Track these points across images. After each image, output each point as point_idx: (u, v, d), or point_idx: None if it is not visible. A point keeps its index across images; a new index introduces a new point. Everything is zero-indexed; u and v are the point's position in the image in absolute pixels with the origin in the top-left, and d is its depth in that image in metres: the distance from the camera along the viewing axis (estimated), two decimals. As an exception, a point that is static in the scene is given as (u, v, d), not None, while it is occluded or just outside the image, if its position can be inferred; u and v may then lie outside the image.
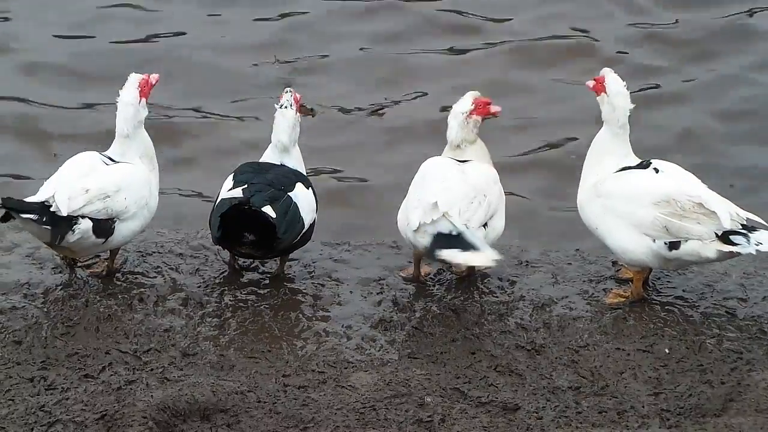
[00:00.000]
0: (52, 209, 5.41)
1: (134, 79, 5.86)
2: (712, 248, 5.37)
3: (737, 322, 5.59)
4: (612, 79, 5.71)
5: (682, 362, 5.27)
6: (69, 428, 4.69)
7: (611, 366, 5.25)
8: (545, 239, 6.83)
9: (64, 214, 5.41)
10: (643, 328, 5.53)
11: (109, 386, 4.94)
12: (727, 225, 5.33)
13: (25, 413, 4.77)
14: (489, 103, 5.98)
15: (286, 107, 5.98)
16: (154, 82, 5.94)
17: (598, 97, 5.74)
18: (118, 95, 5.85)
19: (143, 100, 5.84)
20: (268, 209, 5.56)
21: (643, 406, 4.95)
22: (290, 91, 6.05)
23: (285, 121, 5.95)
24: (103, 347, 5.32)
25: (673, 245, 5.44)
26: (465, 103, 5.91)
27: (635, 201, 5.51)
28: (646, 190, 5.51)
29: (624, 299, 5.71)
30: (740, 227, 5.36)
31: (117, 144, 5.85)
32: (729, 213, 5.38)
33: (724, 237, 5.34)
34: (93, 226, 5.53)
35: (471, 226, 5.47)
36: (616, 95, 5.66)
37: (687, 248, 5.41)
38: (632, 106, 5.71)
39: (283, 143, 5.95)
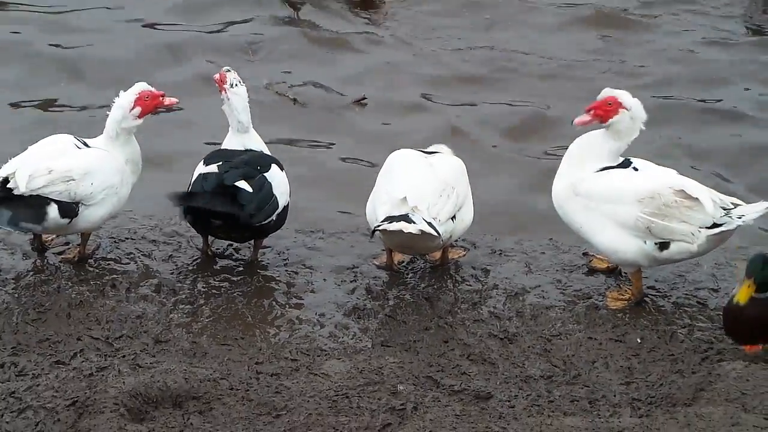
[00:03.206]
0: (9, 186, 5.40)
1: (137, 87, 5.81)
2: (700, 240, 5.36)
3: (708, 313, 5.63)
4: (629, 96, 5.60)
5: (653, 352, 5.30)
6: (40, 414, 4.65)
7: (583, 355, 5.27)
8: (519, 229, 6.78)
9: (22, 191, 5.39)
10: (616, 318, 5.57)
11: (80, 372, 4.91)
12: (710, 210, 5.33)
13: (-4, 399, 4.80)
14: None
15: (236, 85, 5.92)
16: (166, 103, 5.88)
17: (612, 120, 5.54)
18: (118, 95, 5.83)
19: (138, 109, 5.74)
20: (242, 183, 5.57)
21: (614, 395, 4.97)
22: (230, 69, 6.00)
23: (240, 99, 5.90)
24: (74, 333, 5.32)
25: (663, 246, 5.45)
26: None
27: (618, 200, 5.50)
28: (626, 189, 5.51)
29: (626, 301, 5.68)
30: (727, 211, 5.37)
31: (102, 138, 5.82)
32: (711, 199, 5.39)
33: (711, 226, 5.36)
34: (58, 208, 5.49)
35: (440, 219, 5.47)
36: (639, 108, 5.59)
37: (676, 248, 5.43)
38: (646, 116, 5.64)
39: (243, 123, 5.93)
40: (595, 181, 5.57)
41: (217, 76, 6.00)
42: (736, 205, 5.43)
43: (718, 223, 5.35)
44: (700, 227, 5.37)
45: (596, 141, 5.65)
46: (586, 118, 5.61)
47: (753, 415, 4.70)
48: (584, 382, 5.06)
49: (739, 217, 5.36)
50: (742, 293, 4.90)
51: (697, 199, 5.37)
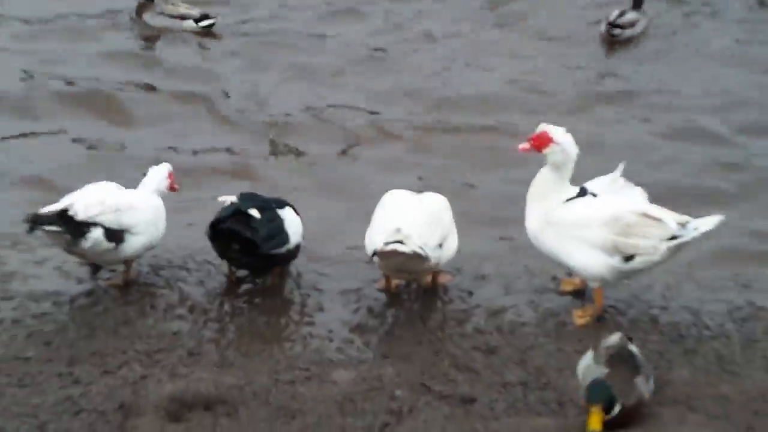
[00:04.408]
0: (69, 213, 5.44)
1: (166, 168, 6.10)
2: (661, 251, 5.32)
3: (659, 327, 5.62)
4: (561, 133, 5.49)
5: None
6: (92, 416, 4.73)
7: (553, 364, 5.25)
8: (499, 256, 6.73)
9: (80, 218, 5.44)
10: (581, 332, 5.54)
11: (126, 381, 5.00)
12: (675, 229, 5.30)
13: (55, 403, 4.82)
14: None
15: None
16: (176, 187, 6.16)
17: (546, 151, 5.47)
18: (153, 167, 6.08)
19: (168, 184, 6.06)
20: (254, 211, 5.60)
21: (579, 399, 4.79)
22: None
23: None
24: (120, 347, 5.34)
25: (628, 259, 5.38)
26: None
27: (586, 225, 5.41)
28: (595, 215, 5.42)
29: (589, 318, 5.62)
30: (683, 227, 5.33)
31: (140, 189, 5.99)
32: (674, 219, 5.36)
33: (670, 239, 5.32)
34: (105, 233, 5.52)
35: (429, 245, 5.44)
36: (568, 143, 5.48)
37: (640, 260, 5.38)
38: (578, 150, 5.54)
39: None
40: (564, 211, 5.49)
41: None
42: (687, 222, 5.37)
43: (677, 235, 5.32)
44: (662, 240, 5.34)
45: (545, 176, 5.56)
46: (525, 145, 5.53)
47: (697, 414, 4.77)
48: (554, 387, 5.05)
49: (695, 229, 5.33)
50: (594, 421, 4.37)
51: (660, 219, 5.35)
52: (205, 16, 10.52)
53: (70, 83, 10.09)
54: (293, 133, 9.45)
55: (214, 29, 10.75)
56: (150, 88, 10.12)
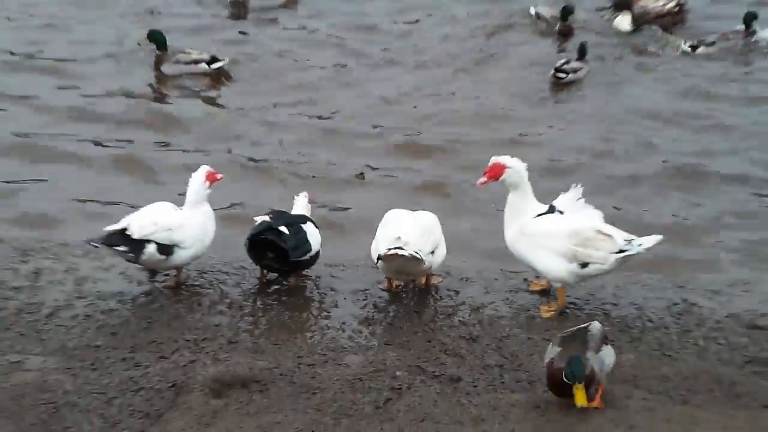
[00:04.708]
0: (127, 232, 5.45)
1: (204, 170, 5.85)
2: (611, 261, 5.30)
3: (611, 320, 5.62)
4: (510, 159, 5.44)
5: None
6: (150, 393, 4.73)
7: (525, 350, 5.26)
8: (479, 260, 6.70)
9: (137, 237, 5.44)
10: (546, 324, 5.55)
11: (177, 364, 4.99)
12: (621, 244, 5.28)
13: (120, 383, 4.82)
14: None
15: (302, 197, 6.25)
16: (219, 177, 5.90)
17: (503, 177, 5.42)
18: (191, 176, 5.85)
19: (208, 183, 5.81)
20: (283, 228, 5.62)
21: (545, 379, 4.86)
22: (304, 194, 6.30)
23: (300, 201, 6.21)
24: (173, 337, 5.36)
25: (584, 265, 5.38)
26: None
27: (552, 236, 5.40)
28: (559, 229, 5.41)
29: (554, 311, 5.61)
30: (628, 243, 5.32)
31: (187, 206, 5.83)
32: (621, 236, 5.35)
33: (618, 252, 5.31)
34: (157, 248, 5.50)
35: (423, 251, 5.45)
36: (520, 167, 5.45)
37: (594, 267, 5.38)
38: (527, 173, 5.50)
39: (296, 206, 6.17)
40: (535, 225, 5.48)
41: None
42: (632, 239, 5.36)
43: (623, 249, 5.33)
44: (611, 253, 5.33)
45: (512, 201, 5.53)
46: (483, 179, 5.47)
47: (641, 390, 4.77)
48: (526, 369, 5.06)
49: (639, 245, 5.32)
50: (580, 398, 4.28)
51: (610, 235, 5.36)
52: (214, 59, 10.21)
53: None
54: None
55: (225, 68, 10.44)
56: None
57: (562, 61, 10.44)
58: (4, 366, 4.95)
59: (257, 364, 4.95)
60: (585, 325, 4.68)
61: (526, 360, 5.16)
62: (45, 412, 4.57)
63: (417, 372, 4.97)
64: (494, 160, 5.47)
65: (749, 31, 11.21)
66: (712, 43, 11.12)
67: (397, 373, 4.92)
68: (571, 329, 4.68)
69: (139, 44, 10.53)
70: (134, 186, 8.26)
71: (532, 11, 11.85)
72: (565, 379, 4.30)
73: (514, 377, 5.00)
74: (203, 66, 10.17)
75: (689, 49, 11.09)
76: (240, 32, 11.95)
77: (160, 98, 10.09)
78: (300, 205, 6.19)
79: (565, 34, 11.55)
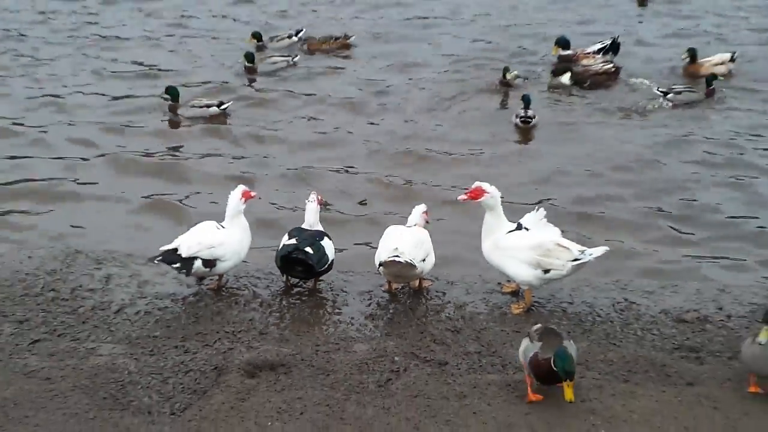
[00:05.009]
0: (178, 252, 5.47)
1: (240, 189, 5.78)
2: (568, 267, 5.28)
3: (567, 315, 5.62)
4: (488, 186, 5.48)
5: None
6: (197, 374, 4.77)
7: (499, 340, 5.26)
8: (461, 267, 6.62)
9: (185, 256, 5.45)
10: (516, 319, 5.54)
11: (218, 351, 5.03)
12: (576, 254, 5.28)
13: (173, 365, 4.87)
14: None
15: (311, 201, 5.93)
16: (253, 195, 5.83)
17: (481, 199, 5.46)
18: (230, 194, 5.76)
19: (244, 200, 5.74)
20: (308, 249, 5.61)
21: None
22: (314, 193, 6.06)
23: (311, 209, 5.97)
24: (215, 329, 5.35)
25: (546, 271, 5.36)
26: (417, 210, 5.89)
27: (520, 249, 5.38)
28: (525, 243, 5.40)
29: (523, 308, 5.58)
30: (581, 253, 5.32)
31: (227, 220, 5.79)
32: (576, 248, 5.34)
33: (573, 261, 5.30)
34: (202, 263, 5.51)
35: (416, 259, 5.44)
36: (496, 193, 5.49)
37: (554, 272, 5.36)
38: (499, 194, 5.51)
39: (310, 221, 5.91)
40: (506, 239, 5.47)
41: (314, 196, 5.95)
42: (585, 250, 5.37)
43: (578, 258, 5.35)
44: (568, 261, 5.33)
45: (488, 220, 5.54)
46: (464, 196, 5.49)
47: (592, 372, 4.80)
48: (499, 355, 5.06)
49: (590, 255, 5.33)
50: (569, 393, 4.09)
51: (567, 247, 5.38)
52: (221, 103, 10.35)
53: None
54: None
55: (228, 110, 10.41)
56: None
57: (522, 111, 10.09)
58: (82, 352, 5.03)
59: (283, 350, 4.96)
60: (538, 325, 4.54)
61: (500, 348, 5.16)
62: (113, 389, 4.62)
63: (411, 357, 4.97)
64: (477, 184, 5.49)
65: (709, 89, 10.76)
66: (680, 93, 10.74)
67: (396, 358, 4.93)
68: (538, 326, 4.51)
69: (161, 97, 10.42)
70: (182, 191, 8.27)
71: (512, 75, 11.33)
72: (553, 367, 4.10)
73: (490, 361, 5.00)
74: (215, 109, 10.24)
75: (661, 94, 10.70)
76: (251, 86, 11.55)
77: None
78: (311, 210, 5.88)
79: (510, 86, 11.10)
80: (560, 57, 11.77)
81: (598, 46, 11.96)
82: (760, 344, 4.28)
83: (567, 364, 4.10)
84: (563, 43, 11.82)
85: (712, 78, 10.99)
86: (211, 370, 4.79)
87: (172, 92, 10.35)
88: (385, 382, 4.68)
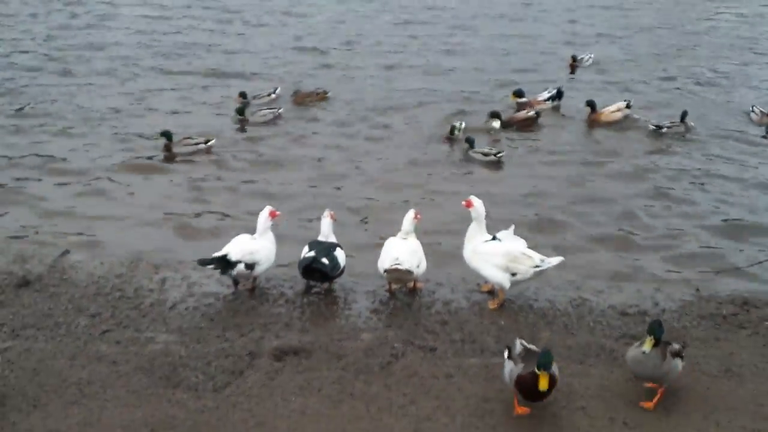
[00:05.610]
0: (227, 257, 5.45)
1: (267, 209, 5.73)
2: (531, 272, 5.31)
3: (534, 310, 5.57)
4: (476, 199, 5.49)
5: (507, 327, 5.28)
6: (235, 358, 4.76)
7: (477, 329, 5.24)
8: (449, 271, 6.47)
9: (233, 260, 5.44)
10: (492, 314, 5.50)
11: (252, 339, 5.03)
12: (538, 262, 5.30)
13: (215, 351, 4.88)
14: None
15: (325, 217, 5.86)
16: (278, 214, 5.78)
17: (471, 209, 5.48)
18: (259, 214, 5.70)
19: (270, 219, 5.72)
20: (324, 260, 5.57)
21: (492, 348, 4.97)
22: (327, 210, 5.99)
23: (326, 224, 5.89)
24: (250, 321, 5.32)
25: (514, 275, 5.35)
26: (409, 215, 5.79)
27: (494, 256, 5.37)
28: (498, 251, 5.38)
29: (497, 304, 5.53)
30: (542, 261, 5.33)
31: (258, 233, 5.74)
32: (538, 257, 5.36)
33: (535, 267, 5.33)
34: (245, 266, 5.48)
35: (412, 265, 5.42)
36: (481, 207, 5.50)
37: (520, 276, 5.35)
38: (485, 212, 5.51)
39: (325, 233, 5.86)
40: (483, 247, 5.45)
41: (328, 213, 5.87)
42: (544, 259, 5.38)
43: (539, 265, 5.35)
44: (531, 267, 5.33)
45: (472, 227, 5.52)
46: (463, 203, 5.52)
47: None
48: (479, 342, 5.05)
49: (549, 263, 5.33)
50: (544, 383, 3.79)
51: (530, 256, 5.38)
52: (209, 140, 9.83)
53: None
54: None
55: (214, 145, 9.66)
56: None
57: (483, 146, 9.54)
58: (142, 340, 5.04)
59: (304, 339, 4.98)
60: (518, 343, 4.30)
61: (479, 336, 5.16)
62: (167, 370, 4.64)
63: (408, 344, 4.98)
64: (471, 197, 5.52)
65: (686, 124, 10.11)
66: (670, 126, 10.03)
67: (395, 344, 4.94)
68: (518, 350, 4.18)
69: (154, 138, 9.72)
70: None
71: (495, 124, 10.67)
72: (536, 370, 3.85)
73: (471, 348, 5.01)
74: (203, 145, 9.80)
75: (654, 128, 10.04)
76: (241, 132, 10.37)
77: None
78: (325, 224, 5.77)
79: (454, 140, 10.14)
80: (518, 104, 11.51)
81: (546, 94, 11.74)
82: (643, 353, 4.08)
83: (545, 357, 3.89)
84: (519, 92, 11.69)
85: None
86: (246, 354, 4.81)
87: (167, 135, 9.88)
88: (387, 365, 4.70)
